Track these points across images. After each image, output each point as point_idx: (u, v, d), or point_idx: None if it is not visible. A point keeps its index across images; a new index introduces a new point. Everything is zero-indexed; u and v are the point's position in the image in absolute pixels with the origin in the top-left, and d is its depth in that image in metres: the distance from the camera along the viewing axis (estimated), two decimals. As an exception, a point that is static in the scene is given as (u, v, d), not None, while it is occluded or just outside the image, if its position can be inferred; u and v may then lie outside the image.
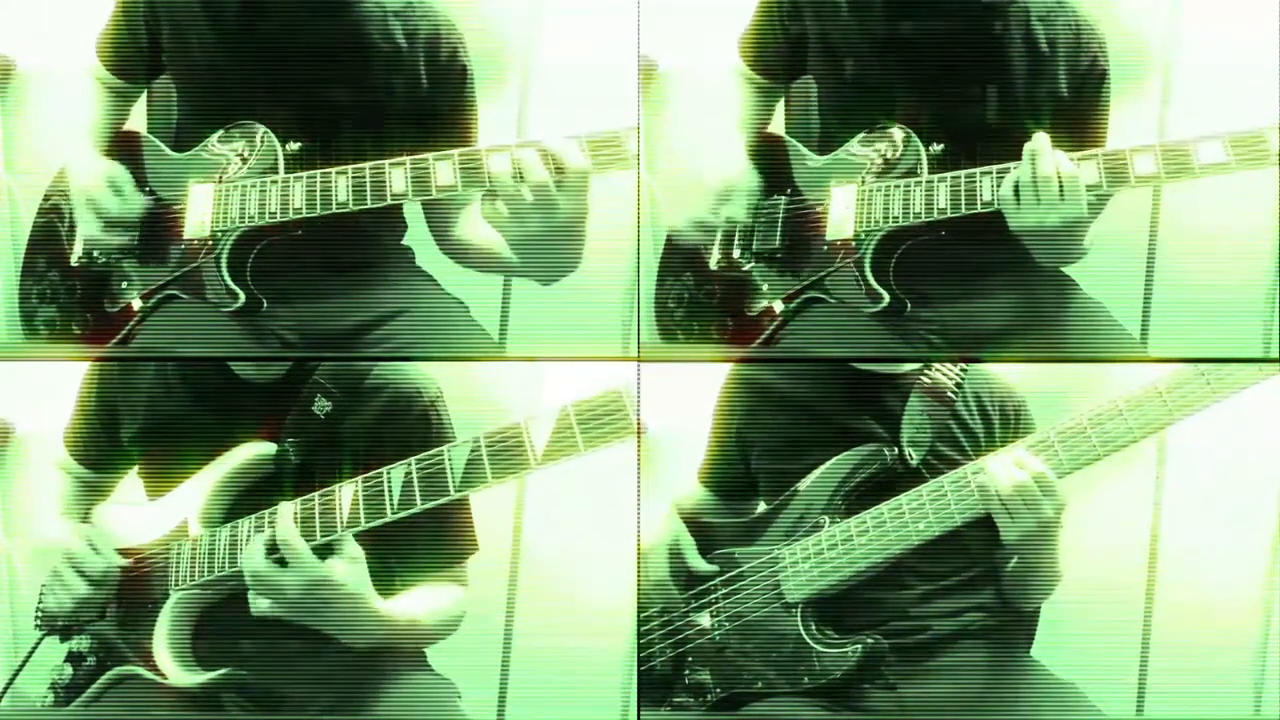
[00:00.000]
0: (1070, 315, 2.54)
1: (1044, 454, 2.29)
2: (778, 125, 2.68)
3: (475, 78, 2.56)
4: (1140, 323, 2.77)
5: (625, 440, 2.17)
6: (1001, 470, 2.28)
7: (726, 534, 2.46)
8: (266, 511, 2.29)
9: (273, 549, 2.22)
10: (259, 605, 2.23)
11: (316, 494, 2.26)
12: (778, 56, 2.63)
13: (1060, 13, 2.51)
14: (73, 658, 2.41)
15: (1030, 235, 2.42)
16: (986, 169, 2.43)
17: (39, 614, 2.43)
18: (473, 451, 2.19)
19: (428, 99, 2.52)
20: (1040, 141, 2.38)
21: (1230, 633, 2.73)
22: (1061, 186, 2.36)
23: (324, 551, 2.23)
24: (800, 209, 2.57)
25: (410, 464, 2.22)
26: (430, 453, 2.22)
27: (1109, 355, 2.54)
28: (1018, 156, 2.40)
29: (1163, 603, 2.77)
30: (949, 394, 2.43)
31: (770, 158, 2.62)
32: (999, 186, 2.40)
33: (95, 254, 2.56)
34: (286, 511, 2.24)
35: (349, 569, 2.22)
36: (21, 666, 2.43)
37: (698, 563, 2.45)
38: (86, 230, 2.53)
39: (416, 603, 2.37)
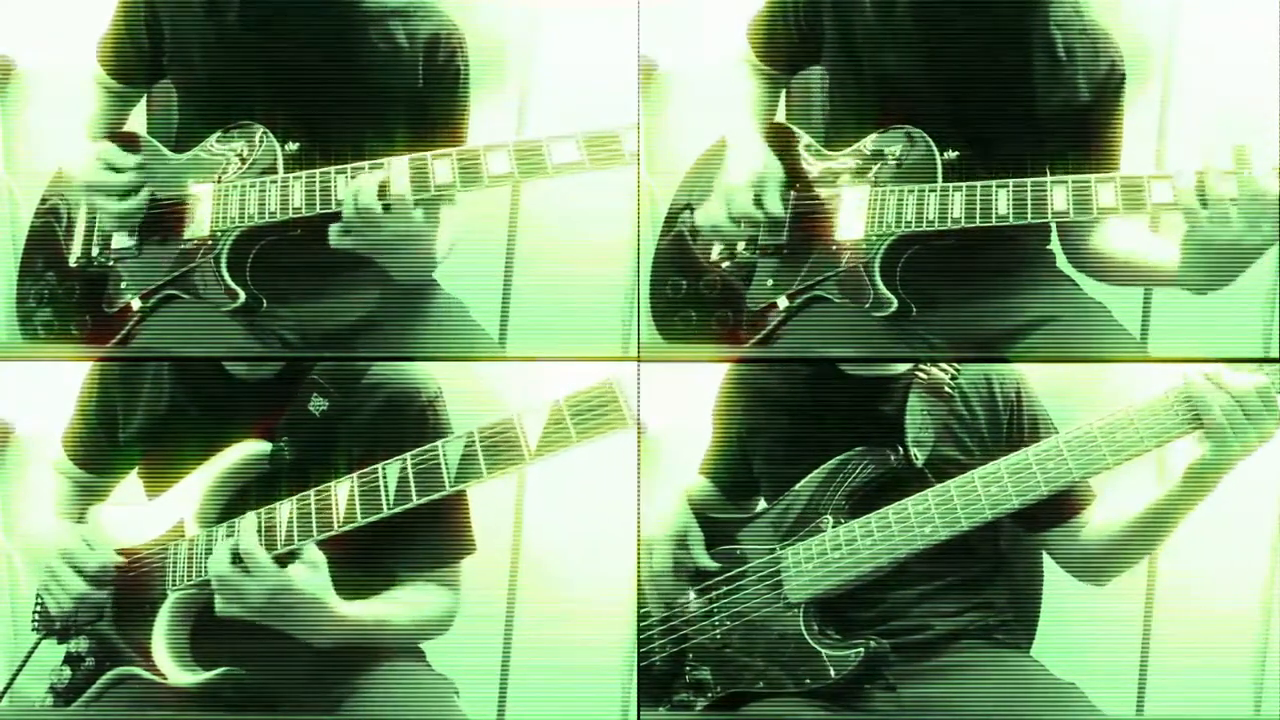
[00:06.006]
0: (1070, 315, 2.53)
1: (1053, 460, 2.29)
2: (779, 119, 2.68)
3: (471, 79, 2.56)
4: (1140, 323, 2.76)
5: (618, 431, 2.17)
6: (1221, 379, 2.19)
7: (725, 529, 2.45)
8: (238, 519, 2.31)
9: (237, 557, 2.25)
10: (224, 609, 2.26)
11: (312, 491, 2.27)
12: (787, 46, 2.60)
13: (1077, 19, 2.49)
14: (71, 659, 2.41)
15: (1204, 250, 2.31)
16: (1003, 181, 2.41)
17: (36, 616, 2.44)
18: (467, 446, 2.20)
19: (422, 98, 2.52)
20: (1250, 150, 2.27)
21: (1230, 633, 2.73)
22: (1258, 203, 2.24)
23: (286, 558, 2.25)
24: (807, 204, 2.56)
25: (405, 459, 2.23)
26: (424, 448, 2.23)
27: (1109, 355, 2.54)
28: (1032, 166, 2.38)
29: (1163, 603, 2.77)
30: (946, 388, 2.42)
31: (778, 151, 2.60)
32: (1177, 185, 2.30)
33: (94, 253, 2.57)
34: (250, 523, 2.28)
35: (308, 575, 2.24)
36: (20, 668, 2.43)
37: (703, 559, 2.44)
38: (105, 214, 2.53)
39: (386, 604, 2.37)
